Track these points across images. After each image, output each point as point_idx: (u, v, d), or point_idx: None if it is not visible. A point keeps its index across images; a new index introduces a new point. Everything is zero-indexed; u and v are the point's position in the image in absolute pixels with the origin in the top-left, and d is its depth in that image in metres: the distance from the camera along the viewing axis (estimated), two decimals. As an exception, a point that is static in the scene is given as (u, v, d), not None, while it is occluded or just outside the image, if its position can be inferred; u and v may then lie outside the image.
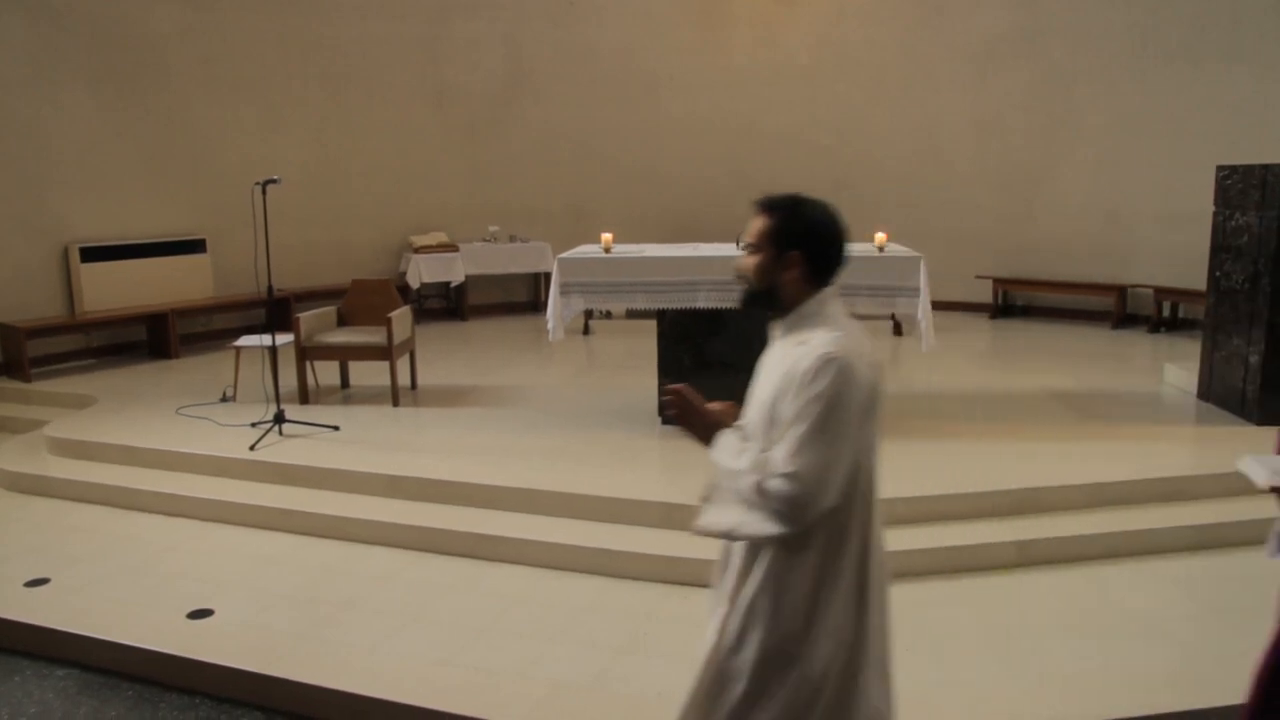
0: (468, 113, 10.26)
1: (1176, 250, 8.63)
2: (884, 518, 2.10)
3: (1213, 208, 6.25)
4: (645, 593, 4.18)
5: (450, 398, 6.77)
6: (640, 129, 10.46)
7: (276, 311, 6.84)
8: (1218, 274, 6.20)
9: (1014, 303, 10.05)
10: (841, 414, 1.88)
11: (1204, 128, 8.59)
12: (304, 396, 6.57)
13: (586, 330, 9.31)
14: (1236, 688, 2.62)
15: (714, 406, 2.14)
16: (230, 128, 9.12)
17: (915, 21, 9.96)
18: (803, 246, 2.03)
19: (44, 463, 5.89)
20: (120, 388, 7.22)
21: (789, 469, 1.86)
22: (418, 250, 9.76)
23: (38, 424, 6.45)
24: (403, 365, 6.78)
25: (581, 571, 4.38)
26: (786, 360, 1.98)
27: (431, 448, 5.64)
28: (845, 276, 2.12)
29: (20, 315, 7.77)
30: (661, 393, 2.10)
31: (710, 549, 2.23)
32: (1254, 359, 5.81)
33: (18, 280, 7.86)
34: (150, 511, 5.28)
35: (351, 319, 7.00)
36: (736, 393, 2.27)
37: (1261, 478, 2.27)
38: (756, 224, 2.09)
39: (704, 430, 2.08)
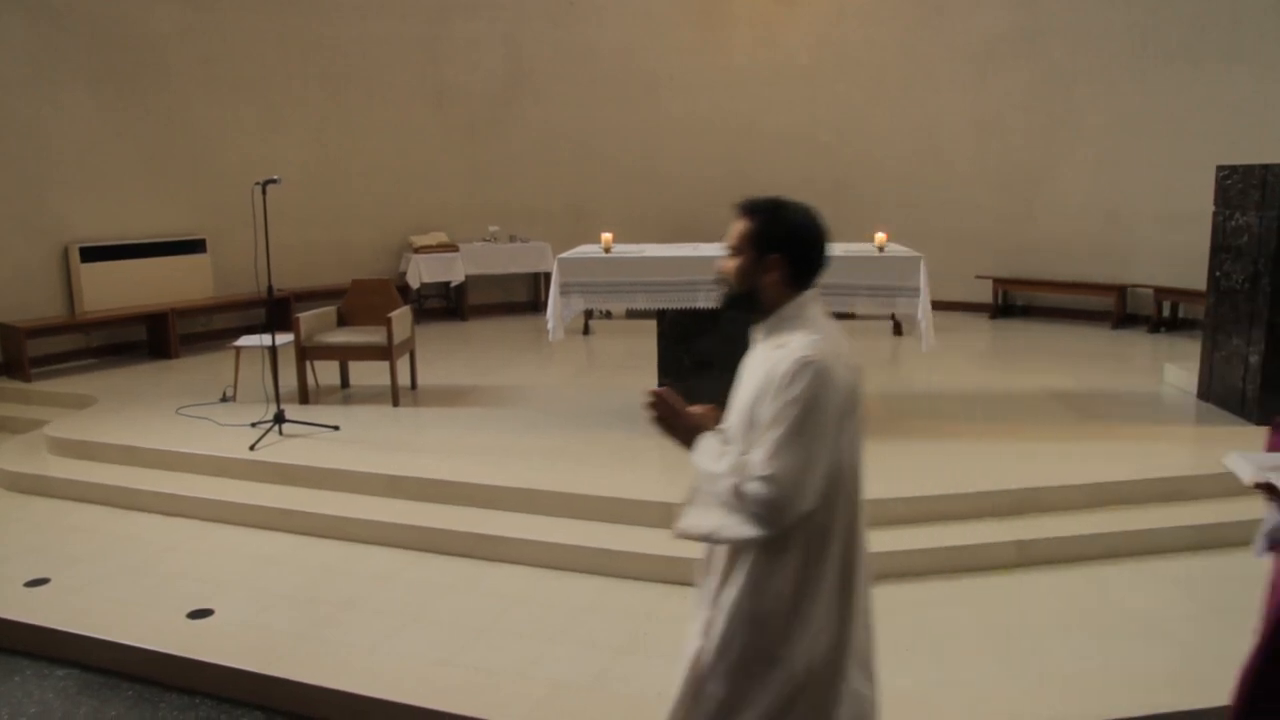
0: (468, 113, 10.26)
1: (1176, 250, 8.63)
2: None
3: (1213, 208, 6.25)
4: (645, 593, 4.19)
5: (450, 398, 6.77)
6: (640, 129, 10.46)
7: (276, 311, 6.84)
8: (1218, 274, 6.20)
9: (1014, 303, 10.05)
10: (818, 417, 1.89)
11: (1204, 128, 8.59)
12: (304, 396, 6.57)
13: (586, 330, 9.31)
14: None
15: (695, 410, 2.14)
16: (230, 128, 9.12)
17: (915, 21, 9.96)
18: (783, 250, 2.03)
19: (44, 463, 5.89)
20: (120, 388, 7.22)
21: (766, 472, 1.87)
22: (418, 250, 9.76)
23: (38, 424, 6.45)
24: (403, 365, 6.78)
25: (581, 571, 4.39)
26: (766, 363, 1.99)
27: (431, 448, 5.64)
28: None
29: (20, 315, 7.77)
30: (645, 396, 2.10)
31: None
32: (1254, 359, 5.81)
33: (18, 280, 7.86)
34: (150, 511, 5.28)
35: (351, 319, 7.00)
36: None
37: (1247, 473, 2.28)
38: (737, 227, 2.09)
39: (685, 433, 2.09)
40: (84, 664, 3.87)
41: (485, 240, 10.29)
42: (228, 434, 5.86)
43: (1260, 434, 5.57)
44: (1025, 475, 4.85)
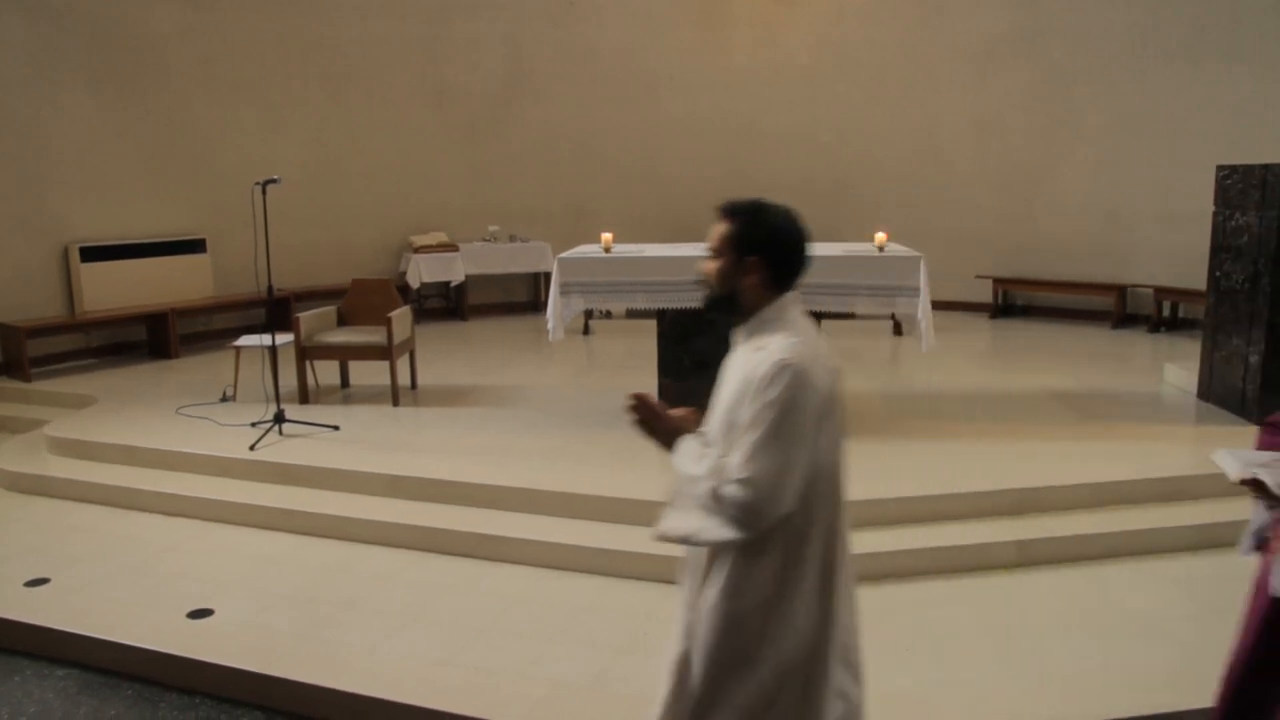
0: (468, 113, 10.26)
1: (1176, 250, 8.63)
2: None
3: (1213, 208, 6.25)
4: (645, 593, 4.18)
5: (450, 398, 6.77)
6: (640, 129, 10.46)
7: (276, 311, 6.84)
8: (1218, 274, 6.20)
9: (1014, 302, 10.05)
10: (797, 419, 1.89)
11: (1204, 128, 8.59)
12: (304, 396, 6.57)
13: (586, 330, 9.31)
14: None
15: (676, 413, 2.15)
16: (230, 128, 9.12)
17: (915, 21, 9.96)
18: (763, 252, 2.03)
19: (44, 463, 5.89)
20: (120, 388, 7.22)
21: (743, 475, 1.87)
22: (418, 250, 9.76)
23: (38, 424, 6.45)
24: (403, 365, 6.78)
25: (581, 571, 4.39)
26: (746, 365, 1.99)
27: (431, 448, 5.64)
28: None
29: (20, 315, 7.77)
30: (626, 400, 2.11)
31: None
32: (1254, 359, 5.82)
33: (18, 280, 7.86)
34: (150, 511, 5.28)
35: (351, 319, 7.00)
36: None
37: (1234, 470, 2.28)
38: (718, 229, 2.09)
39: (666, 436, 2.10)
40: (84, 664, 3.87)
41: (485, 240, 10.29)
42: (228, 434, 5.86)
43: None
44: (1025, 475, 4.85)
